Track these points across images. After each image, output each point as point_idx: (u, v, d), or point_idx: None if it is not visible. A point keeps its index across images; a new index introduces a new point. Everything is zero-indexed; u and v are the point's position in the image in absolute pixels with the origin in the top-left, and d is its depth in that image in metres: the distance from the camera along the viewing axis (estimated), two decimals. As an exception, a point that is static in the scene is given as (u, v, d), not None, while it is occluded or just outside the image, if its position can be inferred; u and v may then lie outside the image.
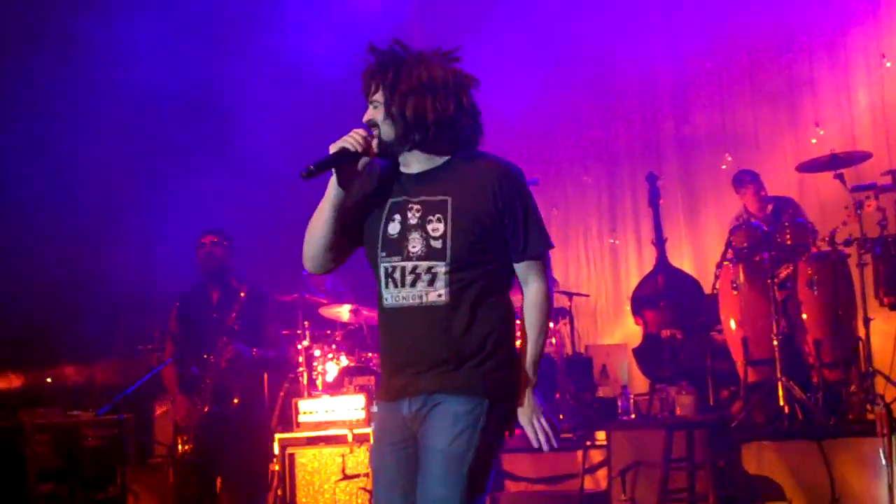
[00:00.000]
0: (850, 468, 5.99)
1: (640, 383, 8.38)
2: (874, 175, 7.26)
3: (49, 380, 8.34)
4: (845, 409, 6.63)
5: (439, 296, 3.33)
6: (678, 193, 9.76)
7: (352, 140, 3.38)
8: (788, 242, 7.02)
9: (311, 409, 7.64)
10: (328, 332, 8.37)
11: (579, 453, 6.83)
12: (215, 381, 6.34)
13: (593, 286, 10.19)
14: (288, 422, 7.79)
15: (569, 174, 10.44)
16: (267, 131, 9.04)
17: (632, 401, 7.33)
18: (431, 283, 3.34)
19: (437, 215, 3.36)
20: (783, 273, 7.07)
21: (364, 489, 6.96)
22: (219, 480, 6.56)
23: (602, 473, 6.69)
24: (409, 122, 3.37)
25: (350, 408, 7.54)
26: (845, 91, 8.97)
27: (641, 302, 8.44)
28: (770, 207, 7.97)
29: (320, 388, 7.99)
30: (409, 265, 3.37)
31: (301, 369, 8.04)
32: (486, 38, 9.50)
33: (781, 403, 6.52)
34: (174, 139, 8.97)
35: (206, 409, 6.31)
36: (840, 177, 7.10)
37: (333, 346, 8.27)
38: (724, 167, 8.76)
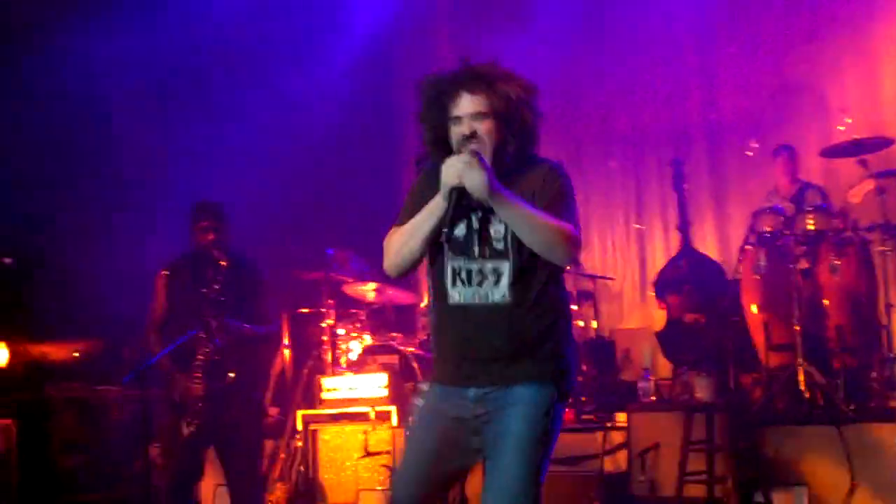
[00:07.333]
0: (869, 454, 5.99)
1: (664, 368, 8.38)
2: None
3: (76, 354, 8.41)
4: (866, 395, 6.64)
5: (503, 295, 3.54)
6: (704, 178, 9.75)
7: (459, 172, 3.43)
8: (811, 227, 7.01)
9: (335, 387, 7.74)
10: (352, 310, 8.43)
11: (600, 435, 6.84)
12: (209, 358, 6.04)
13: (619, 271, 10.20)
14: (312, 398, 7.87)
15: (594, 158, 10.42)
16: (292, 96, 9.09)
17: (653, 384, 7.34)
18: (497, 282, 3.54)
19: (498, 218, 3.53)
20: (805, 258, 7.06)
21: (385, 466, 7.04)
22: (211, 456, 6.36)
23: (622, 455, 6.70)
24: (516, 132, 3.56)
25: (373, 386, 7.63)
26: (872, 78, 8.93)
27: (665, 286, 8.43)
28: (796, 188, 8.03)
29: (344, 365, 8.08)
30: (475, 266, 3.57)
31: (325, 347, 8.13)
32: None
33: (802, 388, 6.54)
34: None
35: (202, 386, 6.01)
36: (863, 162, 7.09)
37: (358, 325, 8.35)
38: (749, 153, 8.72)
